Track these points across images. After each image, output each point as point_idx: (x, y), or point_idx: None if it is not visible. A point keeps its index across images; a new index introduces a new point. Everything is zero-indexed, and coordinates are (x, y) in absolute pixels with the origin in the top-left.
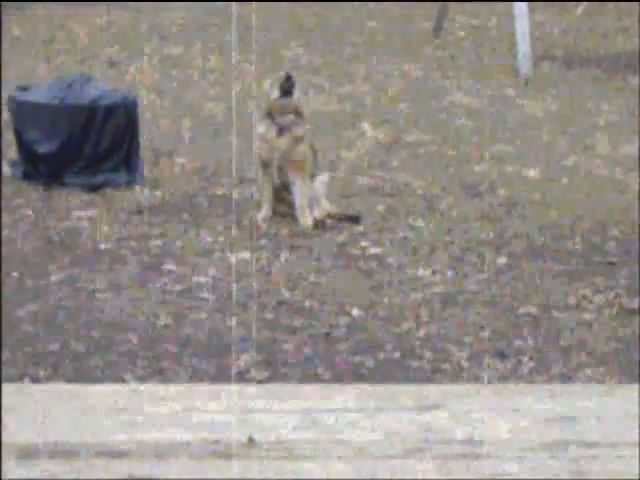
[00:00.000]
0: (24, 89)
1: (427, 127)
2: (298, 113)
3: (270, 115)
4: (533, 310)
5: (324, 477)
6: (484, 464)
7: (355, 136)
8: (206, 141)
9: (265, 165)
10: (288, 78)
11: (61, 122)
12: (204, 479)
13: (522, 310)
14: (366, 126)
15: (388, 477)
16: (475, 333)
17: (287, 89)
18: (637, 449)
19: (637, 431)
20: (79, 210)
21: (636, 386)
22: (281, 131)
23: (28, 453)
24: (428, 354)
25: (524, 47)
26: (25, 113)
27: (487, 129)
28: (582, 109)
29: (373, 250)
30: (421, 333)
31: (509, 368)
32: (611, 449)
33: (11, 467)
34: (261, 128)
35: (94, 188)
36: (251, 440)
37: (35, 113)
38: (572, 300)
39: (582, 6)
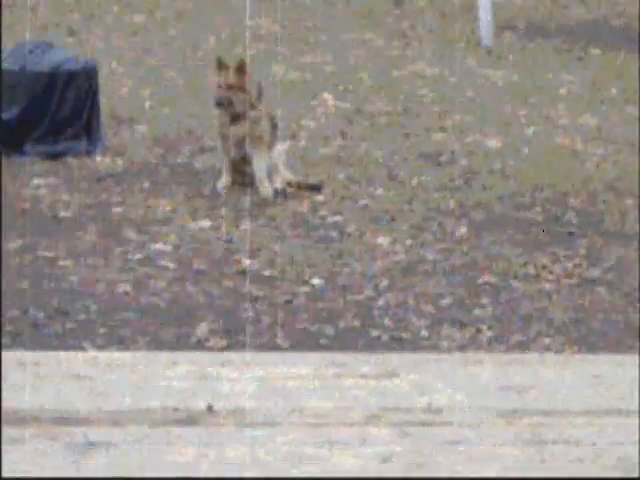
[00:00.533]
0: None
1: (388, 97)
2: (253, 100)
3: (221, 105)
4: (493, 279)
5: (283, 444)
6: (442, 431)
7: (316, 105)
8: (167, 109)
9: (224, 139)
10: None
11: (21, 89)
12: (163, 446)
13: (482, 279)
14: (327, 95)
15: (348, 443)
16: (435, 302)
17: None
18: (592, 418)
19: (592, 400)
20: (39, 178)
21: (593, 356)
22: (234, 119)
23: None
24: (388, 323)
25: (486, 17)
26: None
27: (448, 99)
28: (543, 79)
29: (333, 219)
30: (381, 302)
31: (468, 337)
32: (567, 418)
33: None
34: (216, 112)
35: (54, 156)
36: (210, 408)
37: None
38: (531, 270)
39: None
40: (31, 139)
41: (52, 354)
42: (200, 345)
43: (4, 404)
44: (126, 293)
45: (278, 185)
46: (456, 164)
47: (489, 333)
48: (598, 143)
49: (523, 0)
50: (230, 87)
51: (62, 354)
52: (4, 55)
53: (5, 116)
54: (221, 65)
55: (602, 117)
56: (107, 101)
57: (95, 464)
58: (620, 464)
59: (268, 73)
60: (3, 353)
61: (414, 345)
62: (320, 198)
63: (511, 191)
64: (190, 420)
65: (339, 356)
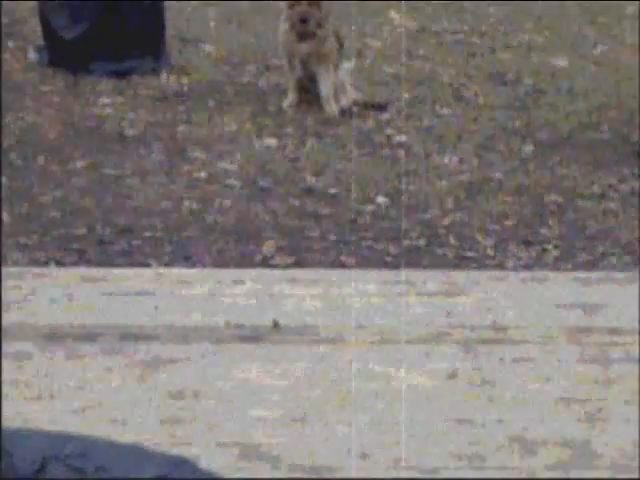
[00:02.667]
0: None
1: (455, 15)
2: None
3: (291, 21)
4: (559, 199)
5: (349, 361)
6: (507, 349)
7: (382, 23)
8: (232, 29)
9: (290, 57)
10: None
11: (87, 7)
12: (228, 362)
13: (548, 199)
14: (394, 14)
15: (412, 361)
16: (500, 221)
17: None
18: None
19: None
20: (105, 97)
21: None
22: (302, 37)
23: (54, 335)
24: (453, 242)
25: None
26: None
27: (515, 18)
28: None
29: (399, 138)
30: (446, 221)
31: (534, 256)
32: (634, 336)
33: (37, 349)
34: (283, 29)
35: (120, 74)
36: (276, 324)
37: None
38: (598, 189)
39: None
40: (97, 58)
41: (118, 271)
42: (266, 263)
43: (71, 320)
44: (192, 211)
45: (344, 104)
46: (522, 83)
47: (555, 252)
48: None
49: None
50: (310, 3)
51: (128, 271)
52: None
53: (71, 35)
54: None
55: None
56: (172, 20)
57: (160, 380)
58: None
59: None
60: (69, 270)
61: (479, 264)
62: (386, 117)
63: (578, 110)
64: (255, 337)
65: (405, 274)
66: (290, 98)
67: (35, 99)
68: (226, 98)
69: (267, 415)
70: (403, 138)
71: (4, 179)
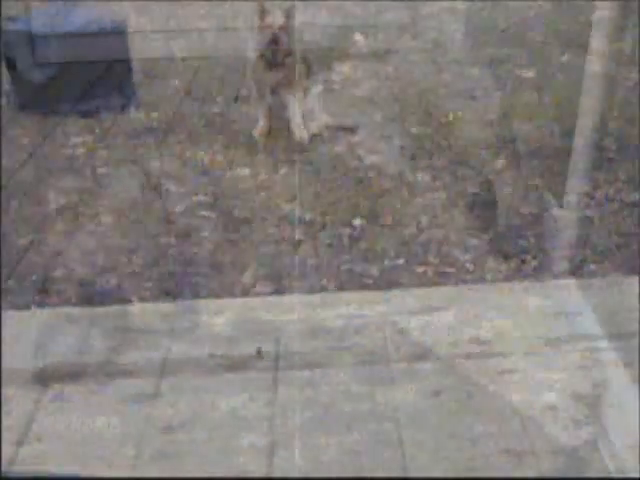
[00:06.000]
0: (12, 19)
1: (418, 33)
2: (287, 38)
3: (276, 43)
4: (534, 209)
5: (333, 384)
6: (491, 362)
7: (348, 47)
8: (198, 61)
9: (259, 86)
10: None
11: (52, 50)
12: (213, 393)
13: (524, 210)
14: (358, 36)
15: (397, 380)
16: (477, 236)
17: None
18: None
19: None
20: (76, 136)
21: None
22: (271, 65)
23: (38, 378)
24: (432, 259)
25: None
26: (16, 43)
27: (479, 32)
28: (573, 7)
29: (371, 159)
30: (424, 238)
31: (513, 268)
32: (618, 341)
33: (22, 392)
34: (251, 58)
35: (90, 114)
36: (259, 352)
37: (25, 42)
38: (573, 197)
39: None
40: (65, 99)
41: (99, 309)
42: (246, 292)
43: (54, 361)
44: (169, 245)
45: (314, 129)
46: (491, 97)
47: (534, 263)
48: (632, 68)
49: None
50: (281, 28)
51: (109, 309)
52: (33, 17)
53: (39, 78)
54: (265, 9)
55: (635, 41)
56: (138, 56)
57: (147, 415)
58: None
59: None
60: (51, 311)
61: (459, 279)
62: (356, 139)
63: (547, 120)
64: (239, 365)
65: (384, 294)
66: (260, 126)
67: (6, 143)
68: (196, 131)
69: (257, 443)
70: (375, 159)
71: None
